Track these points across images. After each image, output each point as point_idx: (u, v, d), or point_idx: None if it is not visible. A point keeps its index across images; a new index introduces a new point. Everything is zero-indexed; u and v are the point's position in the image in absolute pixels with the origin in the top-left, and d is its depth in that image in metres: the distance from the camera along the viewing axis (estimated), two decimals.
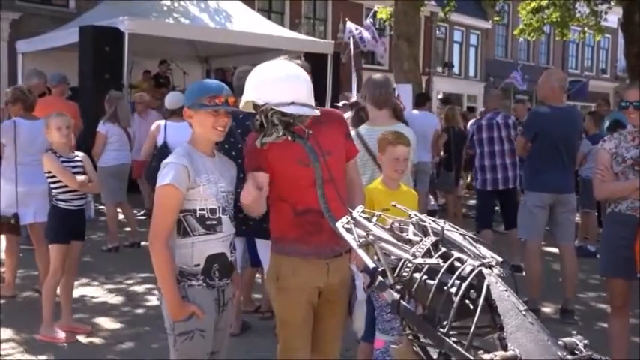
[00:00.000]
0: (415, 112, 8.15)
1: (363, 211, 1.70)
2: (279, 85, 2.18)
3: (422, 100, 8.68)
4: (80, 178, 4.25)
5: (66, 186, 4.22)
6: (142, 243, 6.95)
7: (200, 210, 2.47)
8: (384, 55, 19.19)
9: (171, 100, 5.86)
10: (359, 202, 2.80)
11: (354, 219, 1.66)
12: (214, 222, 2.51)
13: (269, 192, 2.65)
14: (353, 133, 4.05)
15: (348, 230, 1.60)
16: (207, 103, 2.45)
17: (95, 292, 5.44)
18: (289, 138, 2.10)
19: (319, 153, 2.08)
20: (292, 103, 2.14)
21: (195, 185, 2.44)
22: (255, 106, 2.18)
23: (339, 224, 1.65)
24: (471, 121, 6.77)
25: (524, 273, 5.45)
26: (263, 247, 4.25)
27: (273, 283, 2.68)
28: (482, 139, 6.27)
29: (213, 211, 2.51)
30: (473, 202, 11.17)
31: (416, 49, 11.70)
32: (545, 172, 4.98)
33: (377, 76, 4.25)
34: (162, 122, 6.02)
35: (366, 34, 13.42)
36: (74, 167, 4.29)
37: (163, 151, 5.34)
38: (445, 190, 9.19)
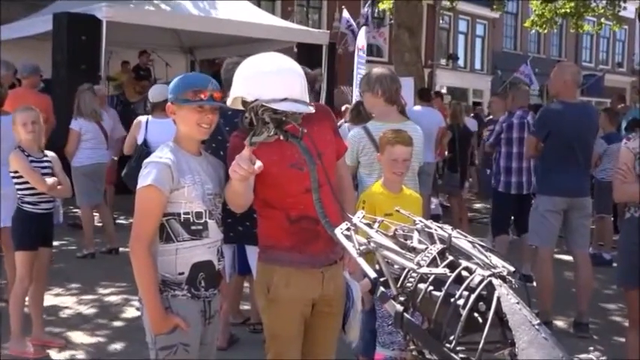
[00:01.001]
0: (417, 108, 8.16)
1: (364, 217, 1.69)
2: (270, 79, 2.17)
3: (426, 95, 8.70)
4: (49, 180, 4.22)
5: (33, 187, 4.20)
6: (121, 249, 6.93)
7: (185, 213, 2.46)
8: (383, 46, 19.22)
9: (156, 92, 5.84)
10: (349, 201, 2.84)
11: (354, 225, 1.65)
12: (200, 227, 2.50)
13: (255, 197, 2.64)
14: (358, 128, 4.06)
15: (348, 237, 1.59)
16: (190, 99, 2.44)
17: (69, 302, 5.42)
18: (281, 137, 2.09)
19: (314, 154, 2.07)
20: (285, 99, 2.12)
21: (179, 186, 2.43)
22: (245, 102, 2.17)
23: (337, 231, 1.64)
24: (501, 118, 6.76)
25: (534, 283, 5.46)
26: (253, 254, 4.22)
27: (262, 295, 2.67)
28: (511, 139, 6.30)
29: (199, 215, 2.50)
30: (479, 205, 11.21)
31: (418, 39, 11.72)
32: (559, 174, 4.99)
33: (382, 69, 4.26)
34: (143, 118, 6.01)
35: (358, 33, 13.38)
36: (43, 168, 4.26)
37: (143, 150, 5.32)
38: (449, 192, 9.20)
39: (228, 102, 2.28)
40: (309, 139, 2.17)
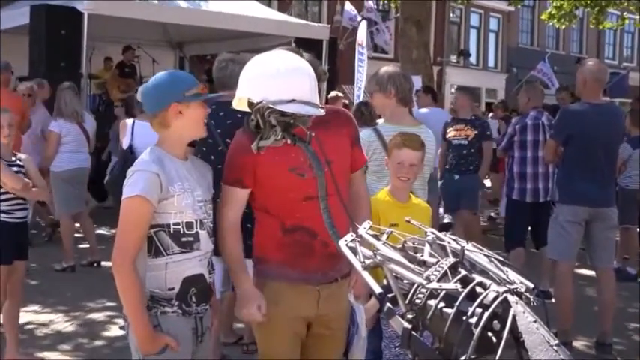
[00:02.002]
0: (425, 109, 8.18)
1: (371, 227, 1.70)
2: (278, 79, 2.18)
3: (432, 94, 8.72)
4: (25, 180, 4.25)
5: (7, 193, 4.21)
6: (103, 262, 6.93)
7: (175, 225, 2.48)
8: (388, 42, 19.26)
9: None
10: (364, 218, 2.83)
11: (359, 236, 1.66)
12: (191, 238, 2.52)
13: (254, 203, 2.66)
14: (369, 131, 4.08)
15: (353, 250, 1.60)
16: (201, 93, 2.50)
17: (46, 320, 5.42)
18: (289, 141, 2.11)
19: (323, 160, 2.09)
20: (293, 100, 2.14)
21: (168, 195, 2.44)
22: (251, 104, 2.18)
23: (342, 242, 1.66)
24: (513, 120, 6.77)
25: (553, 300, 5.47)
26: (248, 267, 4.25)
27: None
28: (525, 142, 6.27)
29: (189, 226, 2.51)
30: (492, 214, 11.21)
31: (426, 34, 11.76)
32: (580, 182, 4.99)
33: (393, 68, 4.29)
34: (129, 121, 6.03)
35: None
36: (15, 172, 4.29)
37: (128, 157, 5.32)
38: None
39: (234, 103, 2.30)
40: (317, 144, 2.18)
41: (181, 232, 2.49)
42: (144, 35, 12.70)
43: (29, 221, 4.76)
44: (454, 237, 1.61)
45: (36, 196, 4.42)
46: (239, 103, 2.26)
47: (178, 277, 2.49)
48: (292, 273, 2.62)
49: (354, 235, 1.69)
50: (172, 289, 2.49)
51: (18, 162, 4.34)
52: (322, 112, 2.26)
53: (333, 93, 9.46)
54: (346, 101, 10.32)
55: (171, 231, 2.48)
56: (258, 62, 2.28)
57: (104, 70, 12.52)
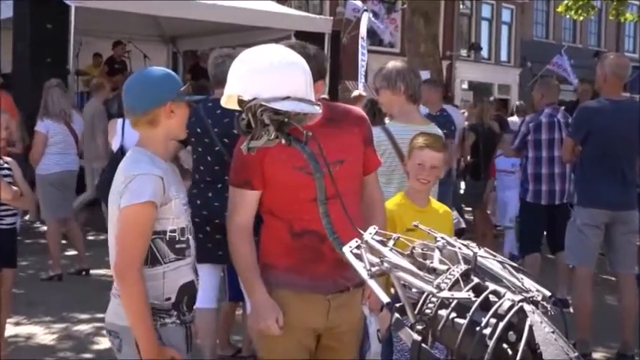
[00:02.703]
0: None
1: (377, 233, 1.70)
2: (270, 75, 2.17)
3: (444, 92, 8.73)
4: (15, 188, 4.25)
5: None
6: (92, 271, 6.94)
7: (171, 231, 2.52)
8: (394, 35, 19.27)
9: None
10: (378, 224, 2.84)
11: (365, 242, 1.65)
12: (184, 244, 2.58)
13: (260, 205, 2.67)
14: (378, 130, 4.08)
15: (358, 257, 1.60)
16: (190, 92, 2.60)
17: (32, 332, 5.42)
18: (283, 141, 2.10)
19: (322, 161, 2.08)
20: (287, 97, 2.13)
21: (167, 200, 2.49)
22: (241, 101, 2.18)
23: (346, 249, 1.65)
24: (527, 118, 6.75)
25: (571, 309, 5.46)
26: None
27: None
28: (540, 141, 6.25)
29: (183, 231, 2.57)
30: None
31: (435, 27, 11.74)
32: (599, 183, 4.99)
33: (400, 63, 4.28)
34: (119, 120, 6.02)
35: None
36: (3, 177, 4.30)
37: (119, 159, 5.31)
38: (472, 203, 9.19)
39: (222, 101, 2.30)
40: (315, 143, 2.17)
41: (177, 238, 2.54)
42: (135, 29, 12.74)
43: (18, 227, 4.79)
44: (465, 242, 1.60)
45: (23, 204, 4.43)
46: (228, 102, 2.25)
47: (174, 287, 2.53)
48: (300, 280, 2.63)
49: (359, 241, 1.68)
50: (169, 299, 2.53)
51: (6, 165, 4.37)
52: (318, 109, 2.26)
53: (356, 92, 9.46)
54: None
55: (168, 238, 2.52)
56: (248, 57, 2.27)
57: (92, 67, 12.54)
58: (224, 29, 11.60)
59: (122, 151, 5.53)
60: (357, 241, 1.70)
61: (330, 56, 11.55)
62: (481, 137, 8.73)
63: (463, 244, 1.58)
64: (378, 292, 1.48)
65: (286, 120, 2.13)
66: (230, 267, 4.43)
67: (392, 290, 1.53)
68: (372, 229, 1.73)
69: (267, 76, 2.17)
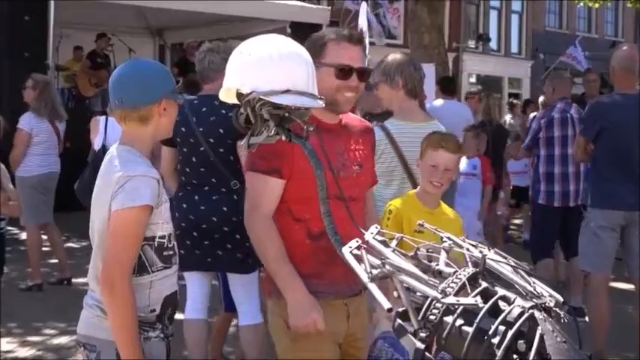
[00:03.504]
0: (439, 102, 8.18)
1: (379, 233, 1.70)
2: (270, 67, 2.18)
3: (449, 86, 8.70)
4: (4, 194, 4.33)
5: None
6: (74, 280, 6.93)
7: (160, 237, 2.51)
8: (397, 26, 19.26)
9: None
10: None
11: (366, 243, 1.65)
12: (171, 252, 2.58)
13: (278, 209, 2.71)
14: (376, 129, 4.09)
15: (358, 258, 1.60)
16: (182, 90, 2.64)
17: (10, 345, 5.41)
18: (283, 137, 2.11)
19: (323, 158, 2.10)
20: (288, 91, 2.13)
21: (160, 204, 2.49)
22: (240, 95, 2.18)
23: (345, 249, 1.65)
24: (538, 114, 6.75)
25: (587, 318, 5.46)
26: (238, 284, 4.26)
27: (283, 334, 2.69)
28: (552, 139, 6.25)
29: (170, 238, 2.57)
30: (518, 221, 11.22)
31: (440, 16, 11.74)
32: (613, 182, 4.98)
33: (400, 55, 4.27)
34: (102, 118, 6.03)
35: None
36: None
37: (101, 159, 5.31)
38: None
39: (221, 94, 2.30)
40: (317, 140, 2.19)
41: (165, 245, 2.53)
42: (119, 21, 12.73)
43: (4, 232, 4.82)
44: (474, 243, 1.61)
45: (12, 211, 4.46)
46: (227, 95, 2.26)
47: (159, 297, 2.52)
48: (322, 286, 2.65)
49: (359, 241, 1.68)
50: (154, 310, 2.51)
51: None
52: (321, 103, 2.27)
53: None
54: None
55: (156, 244, 2.51)
56: (246, 48, 2.27)
57: (73, 61, 12.53)
58: (214, 20, 11.60)
59: (104, 151, 5.53)
60: (357, 241, 1.70)
61: None
62: (489, 135, 8.72)
63: (472, 245, 1.58)
64: (379, 297, 1.48)
65: (287, 115, 2.13)
66: (224, 275, 4.45)
67: (394, 293, 1.52)
68: (373, 229, 1.73)
69: (265, 68, 2.17)
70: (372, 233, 1.70)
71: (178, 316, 3.64)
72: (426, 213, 3.41)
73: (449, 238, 1.64)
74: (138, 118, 2.51)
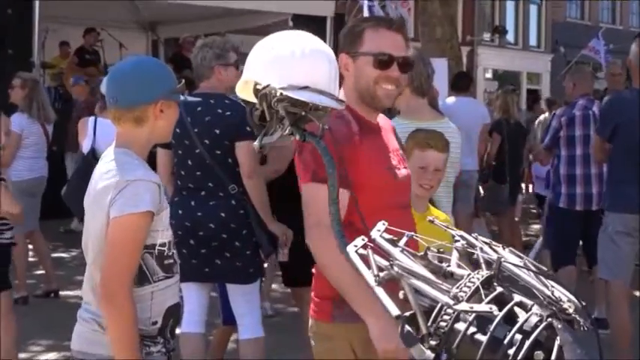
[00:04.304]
0: (452, 99, 8.17)
1: (387, 230, 1.69)
2: (291, 62, 2.19)
3: (464, 82, 8.68)
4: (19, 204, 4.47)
5: None
6: (61, 292, 6.94)
7: (160, 245, 2.53)
8: (407, 18, 19.27)
9: None
10: None
11: (373, 241, 1.65)
12: (172, 260, 2.59)
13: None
14: None
15: (364, 258, 1.59)
16: (184, 91, 2.64)
17: None
18: (297, 137, 2.12)
19: (336, 157, 2.10)
20: (306, 87, 2.15)
21: (161, 210, 2.51)
22: (257, 90, 2.19)
23: (350, 248, 1.64)
24: (558, 111, 6.72)
25: (608, 331, 5.46)
26: (238, 295, 4.26)
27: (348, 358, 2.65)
28: (573, 138, 6.22)
29: (170, 245, 2.58)
30: (537, 226, 11.19)
31: (453, 8, 11.74)
32: (630, 184, 4.95)
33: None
34: (91, 119, 6.05)
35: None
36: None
37: (91, 163, 5.32)
38: (496, 210, 9.14)
39: (237, 88, 2.31)
40: (331, 139, 2.19)
41: (165, 253, 2.55)
42: (108, 15, 12.75)
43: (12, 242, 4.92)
44: (487, 241, 1.61)
45: (19, 219, 4.60)
46: (243, 89, 2.27)
47: (161, 309, 2.53)
48: None
49: (366, 240, 1.67)
50: (156, 323, 2.52)
51: (1, 176, 4.54)
52: (341, 106, 2.27)
53: None
54: None
55: (157, 253, 2.52)
56: (269, 41, 2.29)
57: (60, 58, 12.54)
58: (210, 14, 11.61)
59: (94, 154, 5.55)
60: (363, 239, 1.68)
61: (332, 43, 11.55)
62: (506, 134, 8.70)
63: (485, 243, 1.58)
64: (386, 303, 1.47)
65: (304, 114, 2.14)
66: (222, 287, 4.46)
67: (401, 294, 1.51)
68: (380, 225, 1.72)
69: (286, 63, 2.19)
70: (379, 230, 1.69)
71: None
72: (417, 218, 3.39)
73: (462, 237, 1.63)
74: (132, 118, 2.52)
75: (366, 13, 11.91)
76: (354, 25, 2.81)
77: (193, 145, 4.12)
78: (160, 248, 2.52)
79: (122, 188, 2.41)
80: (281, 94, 2.09)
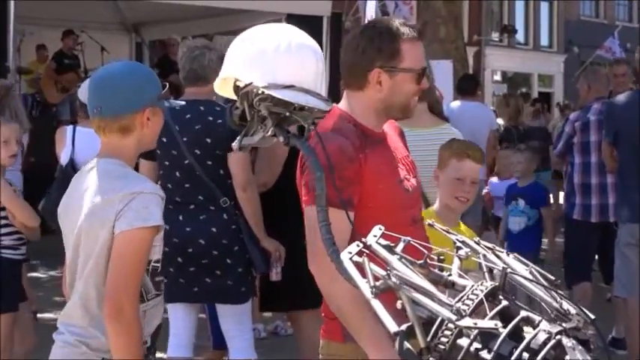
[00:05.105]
0: (457, 103, 8.19)
1: (383, 235, 1.68)
2: (275, 58, 2.19)
3: (470, 85, 8.69)
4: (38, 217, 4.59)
5: (11, 225, 4.51)
6: (40, 315, 6.93)
7: (155, 261, 2.57)
8: (410, 17, 19.34)
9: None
10: None
11: (368, 247, 1.64)
12: (160, 277, 2.66)
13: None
14: None
15: (358, 266, 1.59)
16: (168, 96, 2.67)
17: None
18: (281, 139, 2.12)
19: (325, 161, 2.11)
20: (291, 86, 2.15)
21: (162, 225, 2.55)
22: (237, 87, 2.19)
23: (344, 255, 1.64)
24: (571, 116, 6.71)
25: (626, 352, 5.47)
26: (228, 316, 4.27)
27: None
28: (588, 144, 6.22)
29: (161, 262, 2.64)
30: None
31: (457, 5, 11.78)
32: (636, 191, 4.99)
33: None
34: (69, 128, 6.05)
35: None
36: None
37: (70, 175, 5.30)
38: None
39: (216, 86, 2.32)
40: (319, 141, 2.19)
41: (158, 269, 2.60)
42: (89, 16, 12.73)
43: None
44: (490, 245, 1.60)
45: (36, 235, 4.71)
46: (222, 87, 2.27)
47: (151, 328, 2.59)
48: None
49: (361, 245, 1.66)
50: (145, 343, 2.56)
51: (12, 187, 4.71)
52: (327, 107, 2.27)
53: None
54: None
55: (150, 269, 2.56)
56: (251, 35, 2.29)
57: (37, 62, 12.53)
58: (199, 14, 11.62)
59: (72, 166, 5.53)
60: (358, 245, 1.68)
61: (329, 44, 11.55)
62: (515, 141, 8.69)
63: (487, 248, 1.58)
64: (384, 319, 1.47)
65: (288, 114, 2.14)
66: (212, 307, 4.46)
67: (398, 304, 1.51)
68: (377, 230, 1.71)
69: (270, 59, 2.19)
70: (375, 236, 1.68)
71: (160, 354, 3.69)
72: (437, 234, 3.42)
73: (464, 243, 1.63)
74: (118, 128, 2.54)
75: (372, 13, 11.95)
76: (389, 38, 2.71)
77: (182, 156, 4.11)
78: (154, 264, 2.56)
79: (129, 201, 2.44)
80: (263, 92, 2.09)
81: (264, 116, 2.11)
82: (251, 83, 2.11)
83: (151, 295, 2.56)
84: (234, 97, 2.17)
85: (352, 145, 2.51)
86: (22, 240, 4.64)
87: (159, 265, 2.58)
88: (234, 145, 2.15)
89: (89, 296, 2.50)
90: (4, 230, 4.53)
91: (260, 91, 2.09)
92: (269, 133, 2.11)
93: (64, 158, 5.82)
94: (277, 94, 2.12)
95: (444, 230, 1.81)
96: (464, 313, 1.45)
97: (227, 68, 2.26)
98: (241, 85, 2.13)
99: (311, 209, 2.53)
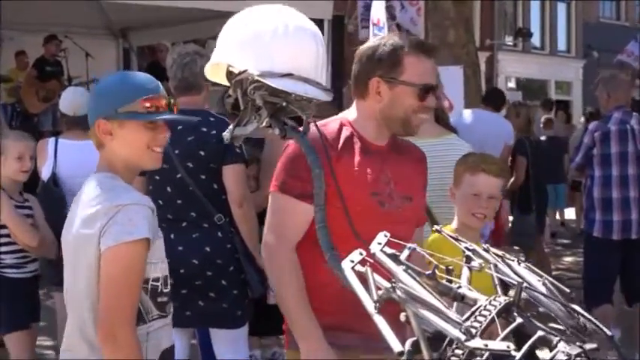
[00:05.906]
0: (468, 112, 8.15)
1: (389, 242, 1.67)
2: (272, 43, 2.18)
3: (498, 102, 8.61)
4: (39, 234, 4.61)
5: (15, 243, 4.59)
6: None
7: (154, 280, 2.55)
8: (417, 19, 19.36)
9: (74, 100, 5.86)
10: None
11: (372, 256, 1.64)
12: (165, 298, 2.62)
13: (303, 239, 2.72)
14: None
15: (360, 277, 1.59)
16: (141, 111, 2.52)
17: None
18: (277, 132, 2.11)
19: (324, 155, 2.11)
20: (289, 74, 2.14)
21: (156, 238, 2.54)
22: (230, 74, 2.18)
23: (346, 264, 1.64)
24: (590, 126, 6.69)
25: None
26: (223, 341, 4.28)
27: None
28: (609, 156, 6.25)
29: (165, 281, 2.62)
30: (569, 259, 11.20)
31: (468, 8, 11.79)
32: None
33: None
34: (51, 140, 6.05)
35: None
36: (25, 217, 4.68)
37: (52, 190, 5.30)
38: (523, 244, 9.10)
39: (206, 72, 2.32)
40: (317, 139, 2.19)
41: (159, 289, 2.58)
42: (73, 20, 12.75)
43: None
44: (500, 253, 1.60)
45: (48, 251, 4.67)
46: (213, 73, 2.27)
47: (157, 352, 2.57)
48: (348, 339, 2.69)
49: (363, 254, 1.66)
50: None
51: (27, 204, 4.76)
52: (328, 97, 2.27)
53: None
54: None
55: (150, 288, 2.55)
56: (245, 18, 2.28)
57: (17, 70, 12.54)
58: (190, 18, 11.65)
59: (55, 181, 5.51)
60: (361, 254, 1.67)
61: (331, 48, 11.56)
62: (529, 156, 8.67)
63: (497, 256, 1.57)
64: (388, 337, 1.46)
65: (284, 105, 2.13)
66: (204, 333, 4.47)
67: (402, 316, 1.51)
68: (381, 237, 1.70)
69: (265, 44, 2.17)
70: (379, 244, 1.67)
71: None
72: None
73: (474, 252, 1.63)
74: (94, 141, 2.60)
75: (380, 14, 11.98)
76: (392, 49, 2.79)
77: (174, 169, 4.09)
78: (153, 283, 2.54)
79: (113, 215, 2.43)
80: (258, 80, 2.08)
81: (258, 106, 2.09)
82: (245, 71, 2.10)
83: (152, 315, 2.55)
84: (227, 84, 2.16)
85: (333, 139, 2.65)
86: (27, 258, 4.72)
87: (159, 284, 2.56)
88: (226, 134, 2.14)
89: (84, 319, 2.50)
90: (4, 249, 4.60)
91: (255, 79, 2.08)
92: (264, 124, 2.10)
93: (45, 173, 5.81)
94: (274, 83, 2.11)
95: (452, 238, 1.80)
96: (475, 332, 1.45)
97: (219, 53, 2.25)
98: (235, 71, 2.12)
99: (275, 195, 2.74)
